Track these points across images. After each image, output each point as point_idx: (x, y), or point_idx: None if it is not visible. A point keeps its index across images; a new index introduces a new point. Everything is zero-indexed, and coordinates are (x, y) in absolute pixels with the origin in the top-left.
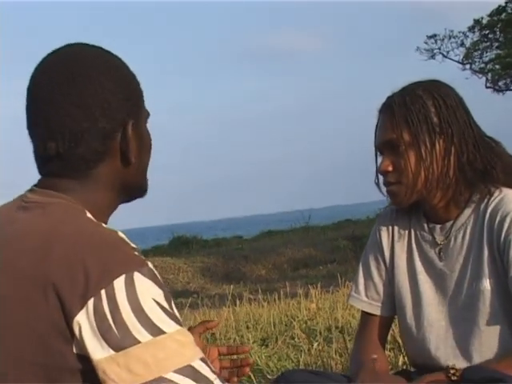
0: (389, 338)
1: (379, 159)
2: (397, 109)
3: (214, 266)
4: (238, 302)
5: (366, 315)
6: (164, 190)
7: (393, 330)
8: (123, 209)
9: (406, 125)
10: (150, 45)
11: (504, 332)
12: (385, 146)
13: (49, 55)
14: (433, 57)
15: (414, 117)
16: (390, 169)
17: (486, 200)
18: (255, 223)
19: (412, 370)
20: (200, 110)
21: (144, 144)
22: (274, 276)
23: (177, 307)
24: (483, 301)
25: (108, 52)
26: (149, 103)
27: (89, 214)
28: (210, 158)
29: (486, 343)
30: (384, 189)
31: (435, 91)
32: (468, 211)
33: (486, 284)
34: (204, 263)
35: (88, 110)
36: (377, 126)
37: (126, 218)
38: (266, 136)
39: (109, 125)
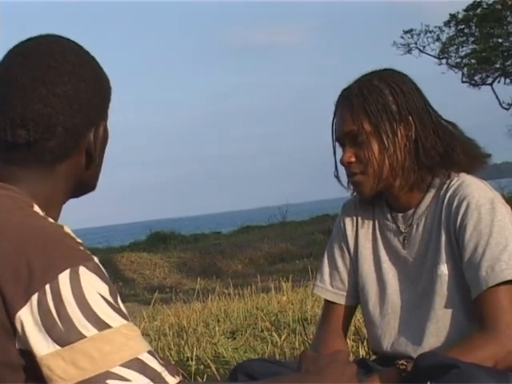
0: (352, 328)
1: (339, 151)
2: (355, 100)
3: (190, 261)
4: (211, 296)
5: (329, 304)
6: (144, 187)
7: (357, 321)
8: (102, 206)
9: (366, 115)
10: (127, 40)
11: (460, 316)
12: (346, 137)
13: (27, 41)
14: (409, 51)
15: (373, 107)
16: (353, 160)
17: (445, 186)
18: (235, 219)
19: (371, 357)
20: (178, 104)
21: (105, 145)
22: (250, 271)
23: (155, 302)
24: (440, 285)
25: (87, 51)
26: (130, 97)
27: (36, 208)
28: (190, 153)
29: (443, 328)
30: (345, 180)
31: (391, 79)
32: (428, 198)
33: (444, 269)
34: (181, 258)
35: (68, 103)
36: (334, 118)
37: (106, 215)
38: (245, 130)
39: (83, 122)
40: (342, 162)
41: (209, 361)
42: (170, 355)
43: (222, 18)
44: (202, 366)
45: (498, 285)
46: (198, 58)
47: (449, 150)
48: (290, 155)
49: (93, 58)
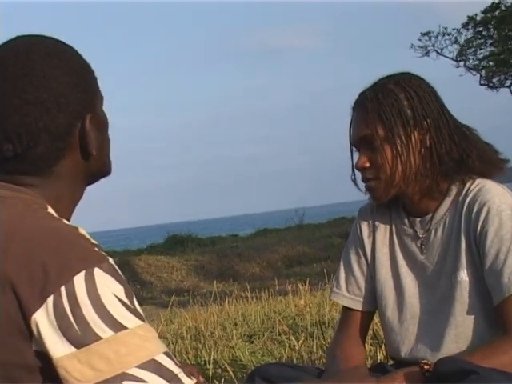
0: (370, 332)
1: (355, 156)
2: (369, 104)
3: (208, 264)
4: (228, 300)
5: (347, 310)
6: (162, 189)
7: (374, 325)
8: (120, 208)
9: (380, 120)
10: (136, 43)
11: (480, 323)
12: (360, 142)
13: None
14: (427, 54)
15: (388, 111)
16: (367, 165)
17: (464, 191)
18: (252, 222)
19: (389, 362)
20: (191, 108)
21: (103, 132)
22: (267, 274)
23: (172, 305)
24: (460, 292)
25: (60, 42)
26: (140, 102)
27: (50, 209)
28: (207, 155)
29: (463, 334)
30: (362, 185)
31: (406, 84)
32: (447, 203)
33: (464, 275)
34: (198, 261)
35: (44, 107)
36: (351, 123)
37: (124, 218)
38: (261, 133)
39: (66, 120)
40: (357, 167)
41: (226, 364)
42: (188, 359)
43: (234, 20)
44: (220, 370)
45: None
46: (210, 60)
47: (464, 156)
48: (304, 158)
49: (65, 50)
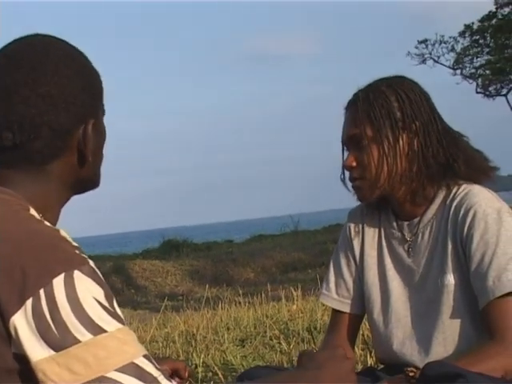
0: (360, 337)
1: (346, 155)
2: (360, 104)
3: (202, 269)
4: (221, 304)
5: (336, 313)
6: (158, 194)
7: (365, 329)
8: (115, 213)
9: (369, 120)
10: (134, 45)
11: (467, 327)
12: (349, 141)
13: (12, 42)
14: (424, 62)
15: (377, 112)
16: (354, 164)
17: (451, 195)
18: (247, 227)
19: (379, 367)
20: (190, 113)
21: (101, 141)
22: (262, 279)
23: (166, 309)
24: (447, 295)
25: (74, 47)
26: (141, 106)
27: (33, 211)
28: (204, 161)
29: (450, 338)
30: (349, 184)
31: (398, 86)
32: (434, 207)
33: (450, 278)
34: (193, 266)
35: (51, 102)
36: (343, 122)
37: (119, 223)
38: (257, 140)
39: (70, 120)
40: (344, 166)
41: (216, 368)
42: None
43: (234, 27)
44: (211, 373)
45: (506, 295)
46: (212, 67)
47: (450, 161)
48: (302, 164)
49: (79, 54)
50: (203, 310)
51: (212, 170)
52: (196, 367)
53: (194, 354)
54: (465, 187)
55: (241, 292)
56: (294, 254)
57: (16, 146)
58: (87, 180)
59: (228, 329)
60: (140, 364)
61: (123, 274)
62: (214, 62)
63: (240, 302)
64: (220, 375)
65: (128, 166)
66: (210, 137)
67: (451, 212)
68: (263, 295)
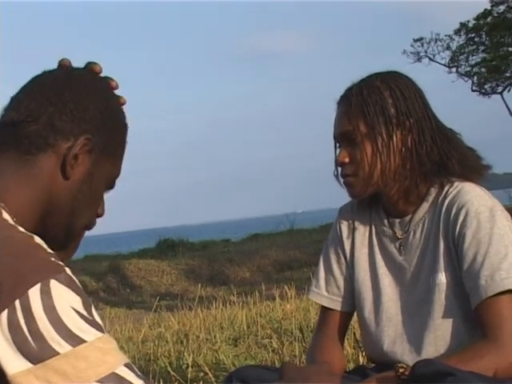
0: (351, 336)
1: (338, 151)
2: (354, 100)
3: (198, 268)
4: (215, 304)
5: (325, 310)
6: (154, 194)
7: (357, 328)
8: (111, 212)
9: (363, 116)
10: (135, 47)
11: (458, 326)
12: (342, 137)
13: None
14: (419, 60)
15: (371, 108)
16: (347, 160)
17: (443, 193)
18: (243, 227)
19: (370, 365)
20: (186, 111)
21: (99, 179)
22: (258, 278)
23: (161, 309)
24: (438, 294)
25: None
26: (139, 104)
27: (5, 215)
28: (199, 161)
29: (441, 337)
30: (342, 180)
31: (393, 82)
32: (426, 205)
33: (442, 277)
34: (189, 266)
35: (63, 101)
36: (335, 117)
37: (115, 222)
38: (254, 138)
39: (69, 126)
40: (337, 162)
41: (207, 368)
42: (170, 361)
43: (227, 26)
44: (202, 373)
45: (499, 294)
46: (204, 66)
47: (444, 159)
48: (297, 163)
49: (117, 101)
50: (197, 309)
51: (207, 170)
52: (188, 367)
53: (186, 354)
54: (457, 185)
55: (236, 291)
56: (289, 252)
57: (14, 123)
58: (59, 214)
59: (221, 328)
60: (121, 373)
61: (119, 274)
62: (213, 62)
63: (234, 302)
64: (210, 375)
65: (128, 166)
66: (204, 137)
67: (443, 210)
68: (258, 294)
